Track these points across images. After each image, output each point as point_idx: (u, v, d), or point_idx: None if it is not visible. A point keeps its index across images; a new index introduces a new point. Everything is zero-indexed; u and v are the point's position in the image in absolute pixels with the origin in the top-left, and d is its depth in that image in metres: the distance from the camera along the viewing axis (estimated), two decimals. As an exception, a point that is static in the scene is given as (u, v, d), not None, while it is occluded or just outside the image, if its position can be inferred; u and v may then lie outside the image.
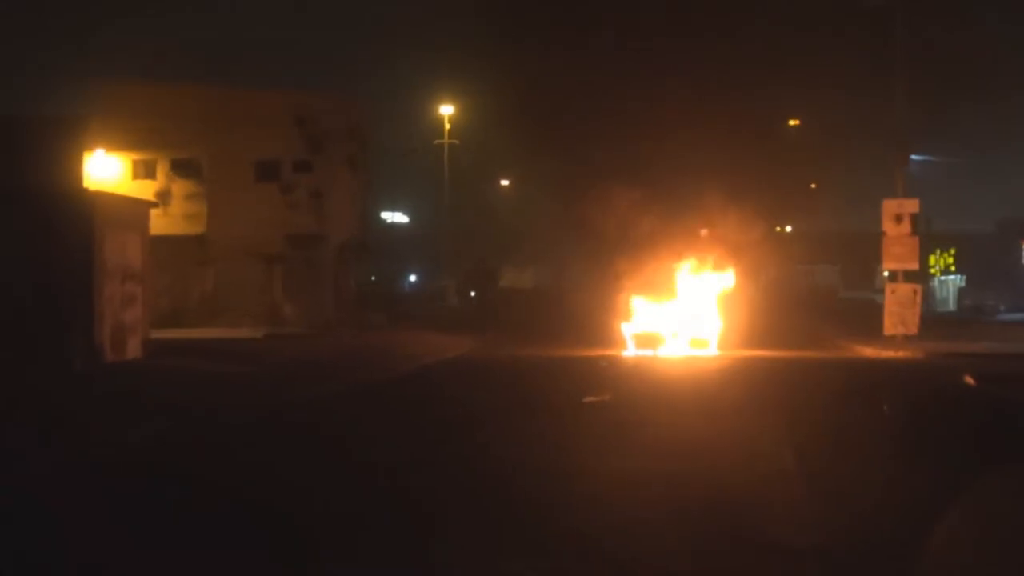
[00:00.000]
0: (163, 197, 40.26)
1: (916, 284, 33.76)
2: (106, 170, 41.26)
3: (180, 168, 42.57)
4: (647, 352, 30.86)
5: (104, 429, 13.52)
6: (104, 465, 11.67)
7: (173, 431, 13.79)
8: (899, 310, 32.83)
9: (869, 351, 31.13)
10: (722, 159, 31.29)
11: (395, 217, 72.42)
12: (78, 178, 30.56)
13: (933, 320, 41.98)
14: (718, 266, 32.21)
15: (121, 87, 42.23)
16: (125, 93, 41.88)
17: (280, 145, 43.00)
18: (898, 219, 33.34)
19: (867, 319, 37.86)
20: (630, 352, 30.90)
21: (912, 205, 33.77)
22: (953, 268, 70.15)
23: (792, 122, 33.99)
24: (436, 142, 63.33)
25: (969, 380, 20.87)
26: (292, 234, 42.79)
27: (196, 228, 42.41)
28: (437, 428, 14.79)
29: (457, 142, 62.36)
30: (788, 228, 76.33)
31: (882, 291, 37.08)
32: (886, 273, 37.00)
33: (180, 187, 42.43)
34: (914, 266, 33.70)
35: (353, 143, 46.39)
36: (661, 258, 32.08)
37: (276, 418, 16.28)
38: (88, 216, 23.18)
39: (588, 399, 17.85)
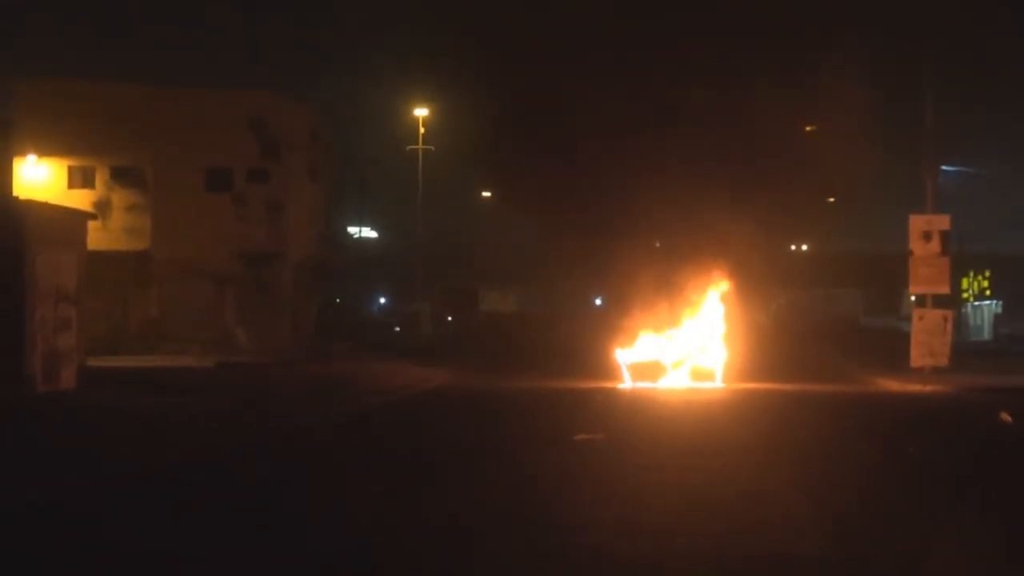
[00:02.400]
0: (102, 208, 40.24)
1: (947, 310, 33.90)
2: (38, 178, 41.21)
3: (121, 176, 42.56)
4: (645, 384, 30.89)
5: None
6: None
7: (78, 490, 13.44)
8: (927, 339, 32.95)
9: (893, 385, 31.21)
10: (726, 170, 31.39)
11: (362, 233, 72.40)
12: (6, 186, 30.59)
13: (965, 350, 42.09)
14: (724, 290, 32.29)
15: (51, 85, 42.21)
16: (56, 92, 41.86)
17: (233, 151, 43.08)
18: (927, 237, 33.49)
19: (892, 349, 37.96)
20: (626, 384, 30.93)
21: (942, 222, 33.91)
22: (988, 292, 70.37)
23: (808, 128, 34.11)
24: (409, 148, 63.48)
25: (1006, 417, 20.93)
26: (246, 251, 42.81)
27: (139, 243, 42.39)
28: (403, 473, 14.73)
29: (432, 148, 62.54)
30: (804, 247, 76.58)
31: (908, 318, 37.24)
32: (913, 298, 37.18)
33: (121, 197, 42.42)
34: (944, 290, 33.86)
35: (315, 149, 46.50)
36: (662, 281, 32.14)
37: (213, 464, 16.21)
38: (17, 229, 23.12)
39: (579, 437, 17.84)
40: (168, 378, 27.84)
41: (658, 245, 33.95)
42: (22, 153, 41.23)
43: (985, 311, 70.55)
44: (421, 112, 63.30)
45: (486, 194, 70.03)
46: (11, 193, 30.29)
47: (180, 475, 14.61)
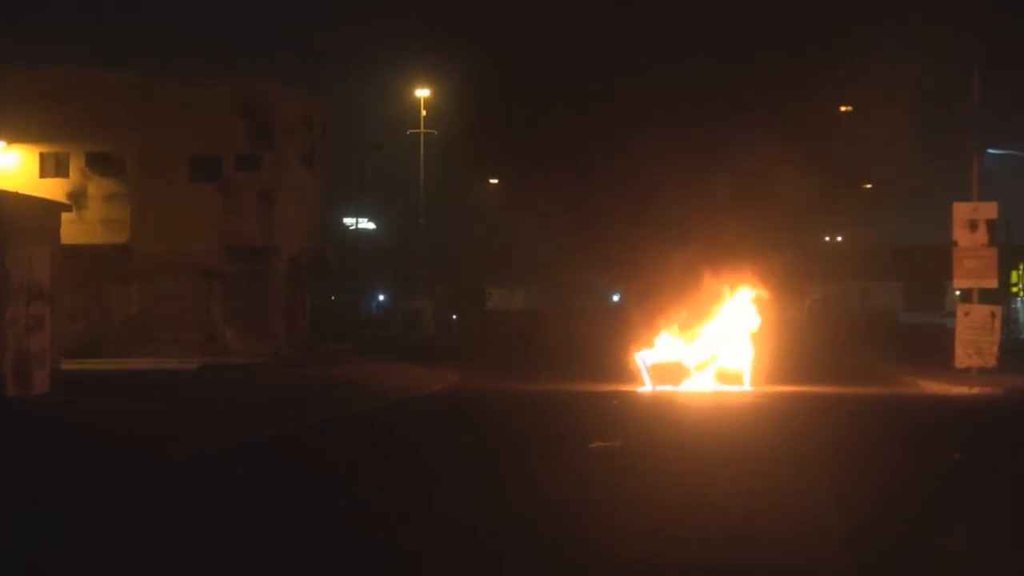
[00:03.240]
0: (77, 199, 40.23)
1: (994, 306, 33.78)
2: (6, 166, 41.24)
3: (98, 163, 42.52)
4: (667, 387, 30.88)
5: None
6: None
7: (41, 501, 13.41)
8: (973, 337, 32.85)
9: (936, 387, 31.14)
10: (754, 153, 31.30)
11: (360, 224, 72.45)
12: (-27, 175, 30.62)
13: (1015, 349, 41.99)
14: (753, 285, 32.23)
15: (23, 71, 42.22)
16: (26, 78, 41.86)
17: (221, 137, 43.02)
18: (972, 226, 33.38)
19: (935, 348, 37.86)
20: (646, 387, 30.93)
21: (989, 209, 33.79)
22: (1039, 286, 70.22)
23: (843, 108, 33.99)
24: (410, 132, 63.48)
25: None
26: (235, 244, 42.79)
27: (118, 237, 42.39)
28: (406, 482, 14.73)
29: (435, 132, 62.49)
30: (839, 239, 76.41)
31: (953, 314, 37.12)
32: (958, 292, 37.08)
33: (98, 187, 42.42)
34: (992, 283, 33.74)
35: (310, 136, 46.46)
36: (685, 275, 32.09)
37: (197, 470, 16.22)
38: (-15, 222, 23.13)
39: (595, 445, 17.90)
40: (148, 381, 27.89)
41: (680, 236, 33.89)
42: (-11, 139, 41.32)
43: (1036, 306, 70.42)
44: (422, 93, 63.28)
45: (493, 181, 69.95)
46: (-22, 182, 30.37)
47: (142, 485, 14.62)
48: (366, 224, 74.45)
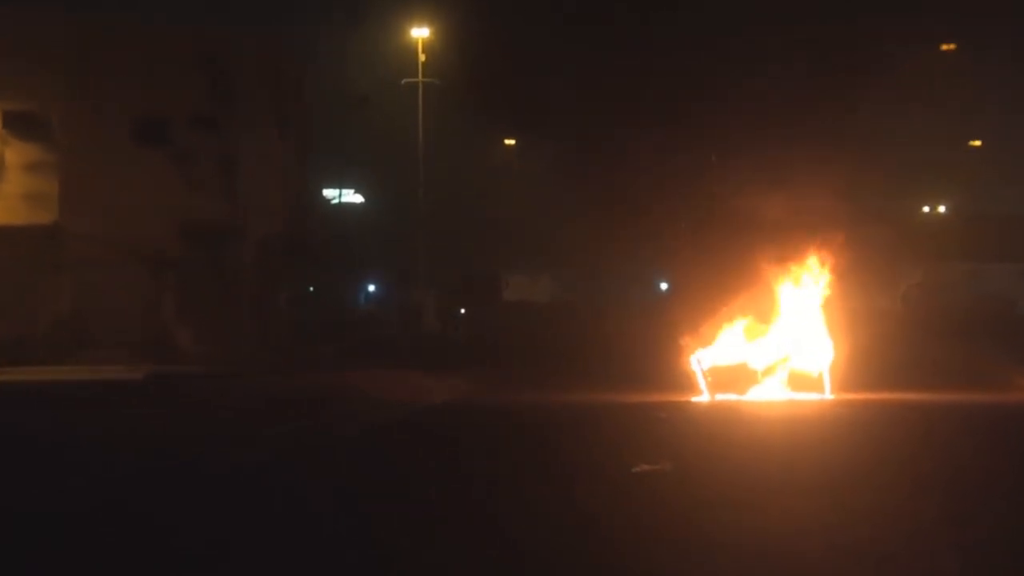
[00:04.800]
0: (-9, 168, 40.30)
1: None
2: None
3: (17, 124, 42.54)
4: (728, 396, 30.80)
5: None
6: None
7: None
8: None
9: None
10: (837, 106, 31.10)
11: (345, 198, 72.45)
12: None
13: None
14: (834, 268, 32.09)
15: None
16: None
17: (173, 94, 43.03)
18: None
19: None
20: (703, 396, 30.93)
21: None
22: None
23: (945, 47, 33.66)
24: (405, 81, 63.32)
25: None
26: (190, 224, 42.86)
27: (43, 215, 42.40)
28: (406, 519, 14.49)
29: (437, 81, 62.32)
30: (941, 209, 76.22)
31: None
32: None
33: (18, 153, 42.44)
34: None
35: (280, 91, 46.36)
36: (745, 254, 31.97)
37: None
38: None
39: (639, 468, 17.90)
40: (81, 395, 27.89)
41: (746, 208, 33.75)
42: None
43: None
44: (420, 33, 63.12)
45: (510, 142, 70.05)
46: None
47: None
48: (352, 197, 74.49)
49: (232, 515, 14.95)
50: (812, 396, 30.93)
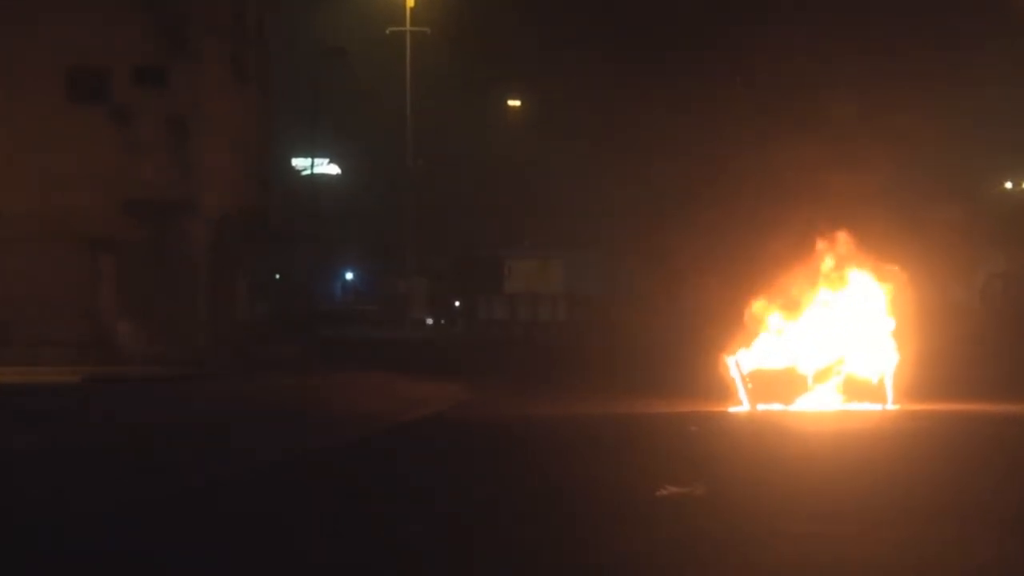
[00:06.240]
0: None
1: None
2: None
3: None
4: (772, 406, 31.03)
5: None
6: None
7: None
8: None
9: None
10: (901, 68, 31.45)
11: (318, 168, 72.52)
12: None
13: None
14: (899, 255, 32.24)
15: None
16: None
17: (112, 41, 43.14)
18: None
19: None
20: (742, 406, 31.15)
21: None
22: None
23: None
24: (391, 31, 63.46)
25: None
26: (134, 198, 43.02)
27: (-44, 190, 42.59)
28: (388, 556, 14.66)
29: (427, 31, 62.46)
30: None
31: None
32: None
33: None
34: None
35: (241, 37, 46.47)
36: (791, 240, 32.13)
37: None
38: None
39: (665, 491, 17.99)
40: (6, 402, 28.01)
41: (798, 186, 33.98)
42: None
43: None
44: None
45: (514, 103, 70.22)
46: None
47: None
48: (326, 168, 74.59)
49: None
50: (872, 406, 31.00)
